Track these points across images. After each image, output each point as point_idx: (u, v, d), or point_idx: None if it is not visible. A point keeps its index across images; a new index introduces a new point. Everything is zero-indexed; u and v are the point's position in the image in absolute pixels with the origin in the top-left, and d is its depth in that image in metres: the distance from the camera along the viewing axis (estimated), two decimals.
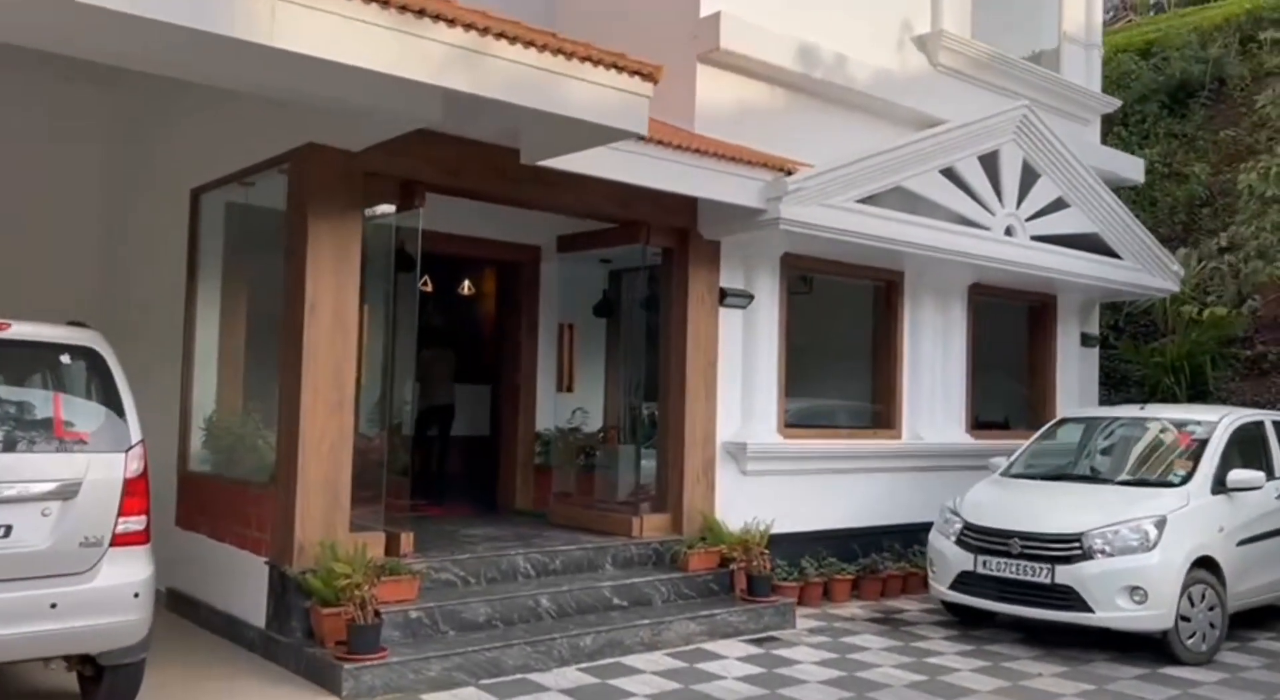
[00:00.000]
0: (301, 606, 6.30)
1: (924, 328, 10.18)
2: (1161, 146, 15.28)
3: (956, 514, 8.04)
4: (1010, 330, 11.72)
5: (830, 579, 8.87)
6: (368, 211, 6.97)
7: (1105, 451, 8.73)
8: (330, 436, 6.56)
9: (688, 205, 8.29)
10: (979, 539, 7.74)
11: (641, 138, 6.97)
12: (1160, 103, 15.74)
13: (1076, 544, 7.25)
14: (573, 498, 9.15)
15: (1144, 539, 7.17)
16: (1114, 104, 12.77)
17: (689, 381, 8.39)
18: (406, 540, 6.95)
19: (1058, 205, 10.34)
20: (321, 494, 6.51)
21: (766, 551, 8.02)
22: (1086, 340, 12.08)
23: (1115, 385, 13.51)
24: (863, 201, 8.58)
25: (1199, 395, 12.66)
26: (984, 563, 7.65)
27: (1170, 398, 12.49)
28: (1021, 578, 7.42)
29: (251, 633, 6.72)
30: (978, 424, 10.75)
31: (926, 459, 10.01)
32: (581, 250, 9.07)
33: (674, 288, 8.48)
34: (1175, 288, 11.84)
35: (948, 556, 7.91)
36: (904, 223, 8.86)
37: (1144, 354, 13.09)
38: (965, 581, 7.79)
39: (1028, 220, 10.05)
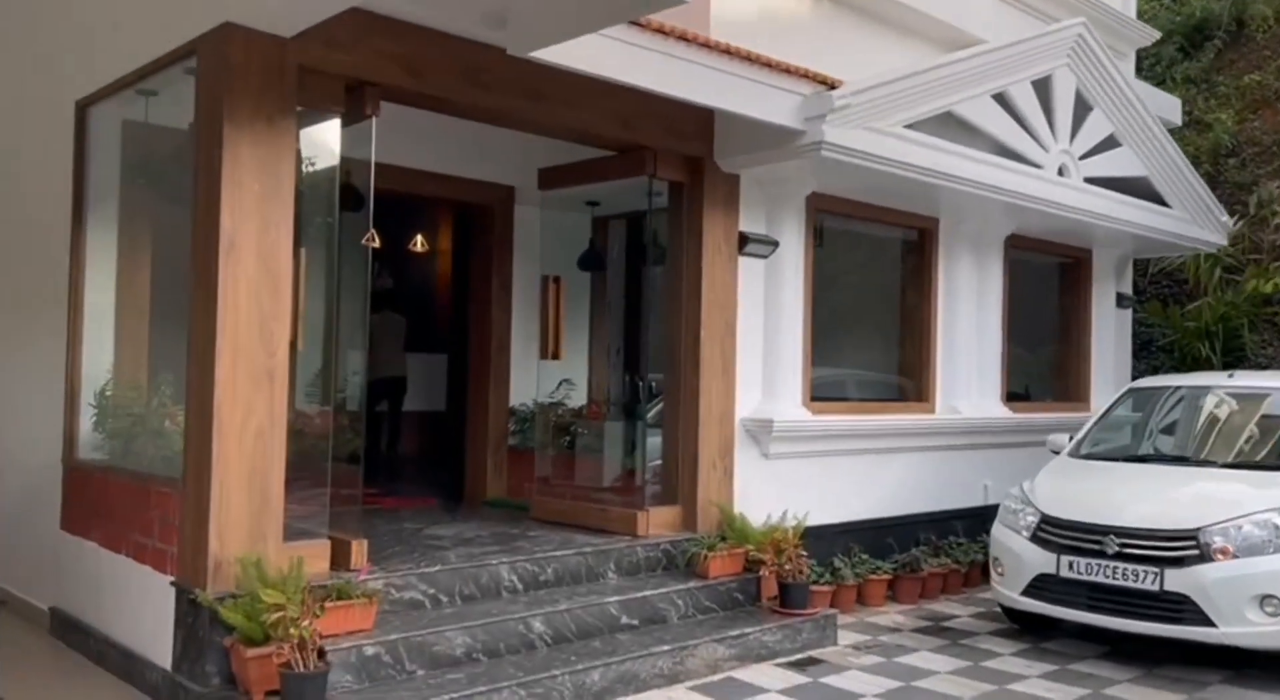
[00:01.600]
0: (219, 643, 4.72)
1: (959, 284, 8.74)
2: (1180, 92, 14.00)
3: (1029, 503, 6.65)
4: (1041, 289, 10.36)
5: (866, 580, 7.47)
6: (304, 130, 5.35)
7: (1193, 427, 7.35)
8: (257, 416, 4.93)
9: (703, 128, 6.76)
10: (1062, 535, 6.36)
11: (661, 31, 5.47)
12: (1177, 45, 14.47)
13: (1191, 542, 5.90)
14: (560, 487, 7.58)
15: (1275, 535, 5.84)
16: (1153, 35, 11.42)
17: (704, 347, 6.86)
18: (359, 550, 5.36)
19: (1110, 143, 8.99)
20: (245, 492, 4.90)
21: (802, 552, 6.57)
22: (1122, 301, 10.78)
23: (1138, 351, 12.25)
24: (907, 127, 7.13)
25: (1235, 361, 11.45)
26: (1070, 564, 6.26)
27: (1205, 364, 11.27)
28: (1120, 583, 6.05)
29: (155, 675, 5.11)
30: (1009, 395, 9.40)
31: (964, 436, 8.62)
32: (570, 185, 7.41)
33: (685, 232, 6.91)
34: (1224, 241, 10.61)
35: (1021, 556, 6.52)
36: (957, 155, 7.39)
37: (1174, 317, 11.84)
38: (1043, 586, 6.40)
39: (1080, 159, 8.68)
